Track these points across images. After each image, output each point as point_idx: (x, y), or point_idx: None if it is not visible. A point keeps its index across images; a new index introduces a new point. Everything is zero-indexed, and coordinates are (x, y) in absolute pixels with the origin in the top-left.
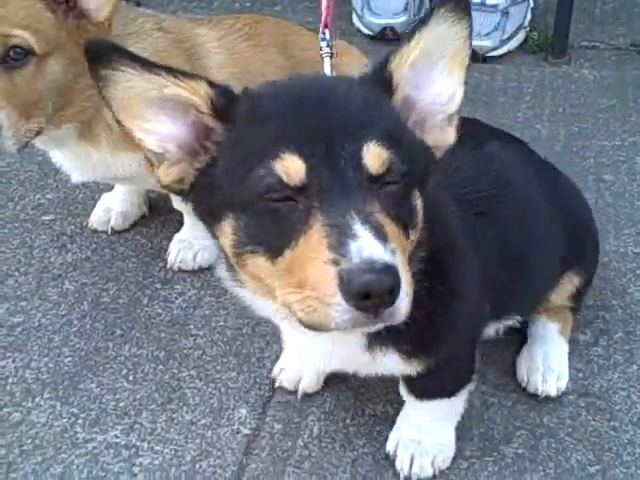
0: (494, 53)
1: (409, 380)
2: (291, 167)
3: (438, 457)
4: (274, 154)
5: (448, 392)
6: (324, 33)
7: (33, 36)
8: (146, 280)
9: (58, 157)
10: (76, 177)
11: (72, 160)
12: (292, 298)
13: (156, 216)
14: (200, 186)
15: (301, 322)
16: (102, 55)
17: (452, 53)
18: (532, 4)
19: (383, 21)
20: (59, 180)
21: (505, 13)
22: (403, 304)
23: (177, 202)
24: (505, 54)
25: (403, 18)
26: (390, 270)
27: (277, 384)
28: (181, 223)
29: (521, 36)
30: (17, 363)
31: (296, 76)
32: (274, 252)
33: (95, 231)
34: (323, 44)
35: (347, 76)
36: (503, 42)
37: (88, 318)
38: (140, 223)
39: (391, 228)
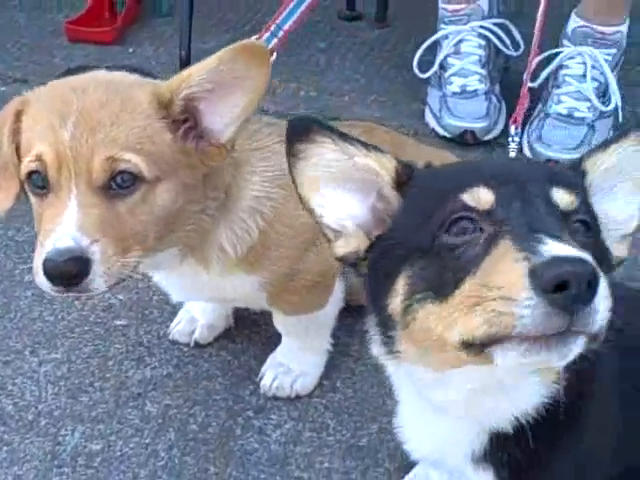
0: None
1: None
2: (480, 195)
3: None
4: (461, 190)
5: None
6: (517, 128)
7: (145, 161)
8: (237, 406)
9: (157, 275)
10: (177, 297)
11: (175, 280)
12: (475, 321)
13: (241, 329)
14: (375, 253)
15: (481, 342)
16: (303, 128)
17: (637, 178)
18: (620, 120)
19: (464, 124)
20: (129, 278)
21: (591, 127)
22: (601, 308)
23: (277, 321)
24: None
25: (484, 123)
26: (582, 261)
27: None
28: (269, 338)
29: None
30: None
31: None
32: (448, 289)
33: (175, 342)
34: (515, 139)
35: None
36: None
37: (176, 450)
38: (224, 336)
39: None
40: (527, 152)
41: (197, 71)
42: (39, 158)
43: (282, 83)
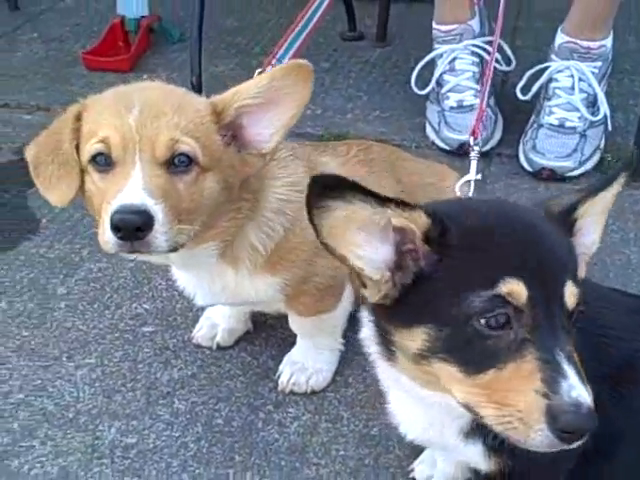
0: (572, 174)
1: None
2: (515, 290)
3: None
4: (498, 279)
5: None
6: (476, 138)
7: (200, 148)
8: (257, 402)
9: (183, 279)
10: (202, 300)
11: (203, 282)
12: (489, 412)
13: (259, 332)
14: (403, 301)
15: (494, 430)
16: (333, 187)
17: (606, 207)
18: (610, 128)
19: (462, 137)
20: (154, 288)
21: (583, 135)
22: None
23: (293, 323)
24: (582, 174)
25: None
26: (591, 414)
27: (411, 475)
28: (285, 340)
29: (597, 158)
30: None
31: (480, 203)
32: (473, 368)
33: (198, 346)
34: (475, 148)
35: (530, 208)
36: (581, 163)
37: (204, 441)
38: (243, 339)
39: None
40: (523, 161)
41: (249, 87)
42: (104, 140)
43: None
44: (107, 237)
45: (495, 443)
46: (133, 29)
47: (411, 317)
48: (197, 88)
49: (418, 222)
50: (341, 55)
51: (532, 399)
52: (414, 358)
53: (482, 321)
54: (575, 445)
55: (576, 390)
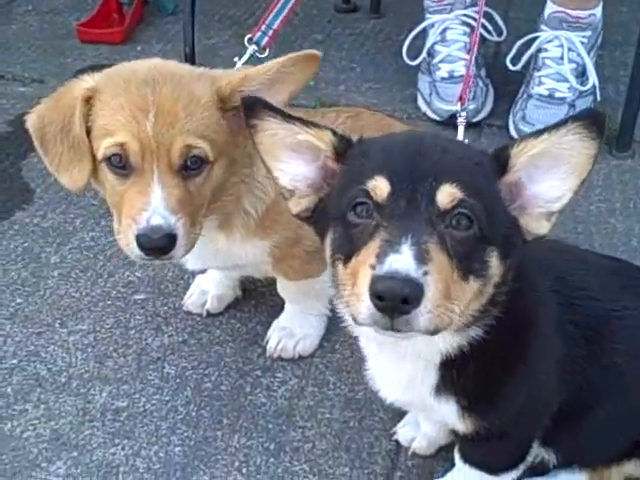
0: None
1: (462, 442)
2: (379, 186)
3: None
4: (369, 177)
5: (489, 467)
6: (463, 104)
7: (209, 145)
8: (246, 367)
9: None
10: (192, 265)
11: (194, 247)
12: (345, 294)
13: (248, 299)
14: (318, 211)
15: (352, 318)
16: (254, 108)
17: (574, 164)
18: (599, 98)
19: (452, 107)
20: None
21: (572, 106)
22: (422, 318)
23: (281, 288)
24: None
25: (472, 106)
26: (409, 283)
27: (395, 437)
28: (273, 307)
29: None
30: (127, 451)
31: (414, 131)
32: (347, 258)
33: (189, 313)
34: (462, 114)
35: (462, 141)
36: None
37: (193, 405)
38: (233, 306)
39: (439, 258)
40: (513, 132)
41: (259, 73)
42: (122, 145)
43: None
44: (132, 248)
45: (466, 402)
46: (127, 1)
47: (324, 226)
48: (190, 60)
49: (325, 139)
50: (335, 27)
51: (364, 272)
52: (332, 265)
53: (351, 212)
54: (399, 325)
55: (399, 263)
